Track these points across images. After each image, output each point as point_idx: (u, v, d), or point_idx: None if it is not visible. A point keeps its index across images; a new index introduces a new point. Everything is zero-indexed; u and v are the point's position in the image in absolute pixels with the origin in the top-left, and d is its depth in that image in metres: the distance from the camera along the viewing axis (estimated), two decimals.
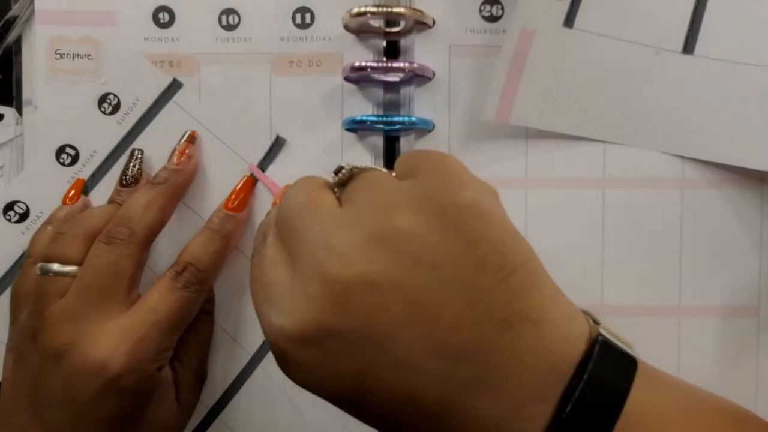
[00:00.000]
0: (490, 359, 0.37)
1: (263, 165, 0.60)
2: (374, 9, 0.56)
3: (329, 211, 0.41)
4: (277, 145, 0.60)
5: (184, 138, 0.59)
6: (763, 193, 0.57)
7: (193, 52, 0.60)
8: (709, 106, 0.55)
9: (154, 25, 0.60)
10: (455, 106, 0.59)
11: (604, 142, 0.57)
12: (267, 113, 0.59)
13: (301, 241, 0.40)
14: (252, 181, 0.59)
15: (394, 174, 0.44)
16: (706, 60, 0.55)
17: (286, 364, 0.40)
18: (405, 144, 0.59)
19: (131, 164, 0.59)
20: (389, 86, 0.59)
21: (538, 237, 0.57)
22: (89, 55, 0.60)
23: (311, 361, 0.38)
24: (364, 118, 0.57)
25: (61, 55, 0.60)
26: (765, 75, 0.55)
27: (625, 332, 0.57)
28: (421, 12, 0.57)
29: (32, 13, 0.60)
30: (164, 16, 0.60)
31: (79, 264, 0.54)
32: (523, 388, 0.37)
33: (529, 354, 0.37)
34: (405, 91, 0.59)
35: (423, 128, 0.58)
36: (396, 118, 0.57)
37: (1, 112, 0.61)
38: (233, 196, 0.59)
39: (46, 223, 0.59)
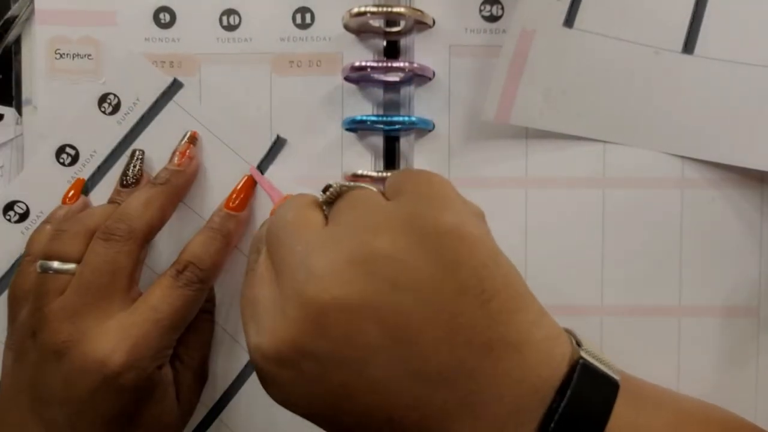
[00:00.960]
0: (469, 384, 0.37)
1: (264, 165, 0.59)
2: (374, 9, 0.55)
3: (314, 230, 0.42)
4: (278, 145, 0.59)
5: (185, 139, 0.59)
6: (763, 193, 0.57)
7: (194, 52, 0.60)
8: (709, 106, 0.55)
9: (154, 25, 0.60)
10: (455, 106, 0.59)
11: (604, 142, 0.57)
12: (267, 113, 0.59)
13: (284, 260, 0.41)
14: (252, 181, 0.59)
15: (384, 192, 0.44)
16: (706, 60, 0.55)
17: (264, 382, 0.41)
18: (405, 144, 0.59)
19: (132, 164, 0.59)
20: (389, 86, 0.59)
21: (538, 237, 0.58)
22: (89, 55, 0.60)
23: (287, 380, 0.39)
24: (364, 118, 0.57)
25: (61, 55, 0.60)
26: (765, 75, 0.55)
27: (625, 332, 0.57)
28: (421, 12, 0.57)
29: (32, 12, 0.60)
30: (165, 17, 0.60)
31: (79, 262, 0.54)
32: (504, 412, 0.37)
33: (510, 378, 0.38)
34: (405, 91, 0.59)
35: (423, 128, 0.58)
36: (396, 118, 0.57)
37: (1, 112, 0.61)
38: (234, 196, 0.58)
39: (45, 222, 0.59)
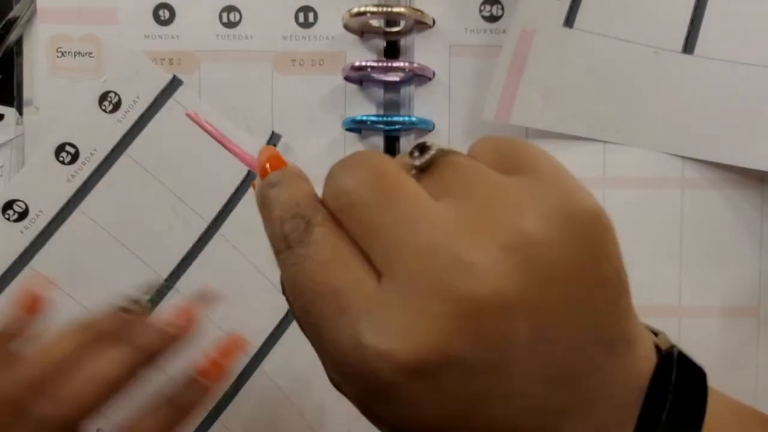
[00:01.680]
0: (588, 382, 0.33)
1: None
2: (374, 9, 0.56)
3: (430, 204, 0.32)
4: (272, 141, 0.59)
5: (198, 300, 0.52)
6: (763, 193, 0.57)
7: (194, 49, 0.60)
8: (709, 106, 0.55)
9: (154, 23, 0.60)
10: (455, 106, 0.59)
11: (604, 142, 0.57)
12: (268, 112, 0.59)
13: (400, 240, 0.31)
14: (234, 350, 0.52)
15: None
16: (706, 60, 0.55)
17: (382, 399, 0.31)
18: (405, 144, 0.59)
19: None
20: (389, 86, 0.59)
21: None
22: (90, 53, 0.60)
23: (419, 395, 0.31)
24: (365, 118, 0.57)
25: (62, 54, 0.60)
26: (765, 75, 0.55)
27: None
28: (421, 12, 0.57)
29: (33, 13, 0.60)
30: (164, 14, 0.60)
31: None
32: (611, 410, 0.34)
33: (623, 374, 0.34)
34: (405, 90, 0.59)
35: (423, 128, 0.58)
36: (396, 118, 0.57)
37: (2, 112, 0.61)
38: (211, 361, 0.51)
39: None
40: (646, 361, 0.35)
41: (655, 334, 0.38)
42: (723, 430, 0.36)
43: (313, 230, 0.33)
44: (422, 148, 0.34)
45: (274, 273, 0.36)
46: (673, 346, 0.37)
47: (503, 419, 0.31)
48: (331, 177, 0.34)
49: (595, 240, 0.32)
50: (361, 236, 0.32)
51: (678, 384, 0.35)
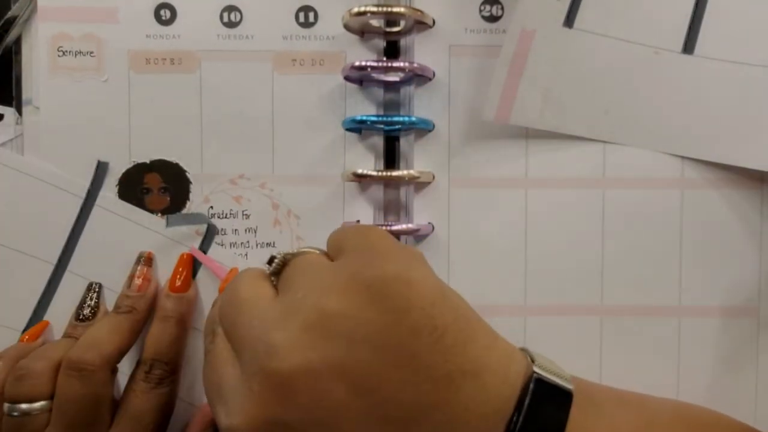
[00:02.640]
0: (436, 416, 0.39)
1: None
2: (374, 8, 0.56)
3: (267, 303, 0.42)
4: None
5: (141, 262, 0.59)
6: (763, 194, 0.57)
7: (194, 49, 0.60)
8: (709, 106, 0.55)
9: (155, 22, 0.60)
10: (455, 106, 0.59)
11: (604, 142, 0.57)
12: (269, 111, 0.59)
13: (243, 338, 0.41)
14: (190, 257, 0.60)
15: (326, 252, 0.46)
16: (706, 60, 0.55)
17: None
18: (405, 144, 0.59)
19: (89, 297, 0.59)
20: (389, 86, 0.59)
21: (538, 237, 0.58)
22: (91, 53, 0.60)
23: None
24: (365, 118, 0.57)
25: (63, 53, 0.60)
26: (765, 75, 0.55)
27: (625, 332, 0.57)
28: (421, 12, 0.57)
29: (32, 12, 0.60)
30: (165, 13, 0.60)
31: (48, 398, 0.53)
32: None
33: (474, 403, 0.39)
34: (405, 90, 0.59)
35: (423, 128, 0.58)
36: (396, 118, 0.57)
37: (1, 112, 0.61)
38: (176, 276, 0.59)
39: None
40: (507, 387, 0.40)
41: (533, 360, 0.43)
42: None
43: (214, 339, 0.44)
44: (270, 260, 0.45)
45: None
46: (534, 373, 0.41)
47: None
48: (224, 293, 0.45)
49: (396, 298, 0.39)
50: (231, 338, 0.42)
51: (533, 407, 0.39)
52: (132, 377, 0.56)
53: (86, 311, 0.58)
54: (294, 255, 0.45)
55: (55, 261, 0.60)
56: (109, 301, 0.59)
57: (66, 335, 0.58)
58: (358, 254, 0.42)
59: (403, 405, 0.38)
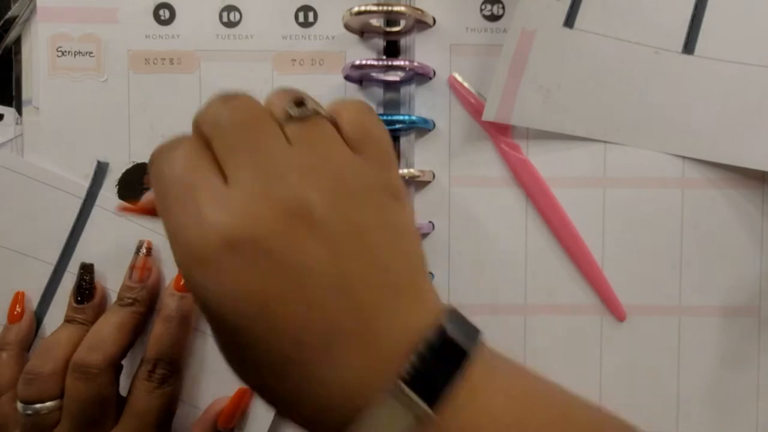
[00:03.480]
0: (375, 317, 0.39)
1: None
2: (374, 8, 0.56)
3: (282, 145, 0.41)
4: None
5: (142, 251, 0.59)
6: (764, 193, 0.57)
7: (194, 49, 0.60)
8: (709, 106, 0.55)
9: (154, 22, 0.60)
10: (455, 106, 0.59)
11: (605, 142, 0.57)
12: None
13: (246, 160, 0.40)
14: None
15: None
16: (706, 60, 0.55)
17: (203, 265, 0.38)
18: (405, 143, 0.59)
19: (82, 279, 0.59)
20: (390, 85, 0.59)
21: (539, 236, 0.58)
22: (91, 53, 0.60)
23: (231, 267, 0.37)
24: None
25: (62, 53, 0.60)
26: (765, 75, 0.55)
27: (625, 331, 0.57)
28: (421, 11, 0.57)
29: (32, 12, 0.60)
30: (165, 13, 0.59)
31: (58, 397, 0.55)
32: (392, 345, 0.39)
33: (407, 317, 0.40)
34: (405, 90, 0.59)
35: (423, 127, 0.58)
36: (396, 117, 0.57)
37: (1, 112, 0.61)
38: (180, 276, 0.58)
39: (0, 349, 0.59)
40: (433, 314, 0.41)
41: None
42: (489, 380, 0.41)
43: (181, 140, 0.42)
44: (300, 103, 0.43)
45: None
46: (452, 308, 0.42)
47: (292, 319, 0.37)
48: (211, 103, 0.43)
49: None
50: (221, 150, 0.40)
51: (447, 332, 0.40)
52: (136, 376, 0.56)
53: (84, 294, 0.58)
54: (319, 115, 0.44)
55: (54, 261, 0.60)
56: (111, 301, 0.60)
57: (67, 319, 0.58)
58: (381, 159, 0.44)
59: (359, 296, 0.39)
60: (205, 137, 0.41)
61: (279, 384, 0.38)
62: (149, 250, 0.59)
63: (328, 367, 0.38)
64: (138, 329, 0.57)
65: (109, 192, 0.60)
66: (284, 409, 0.40)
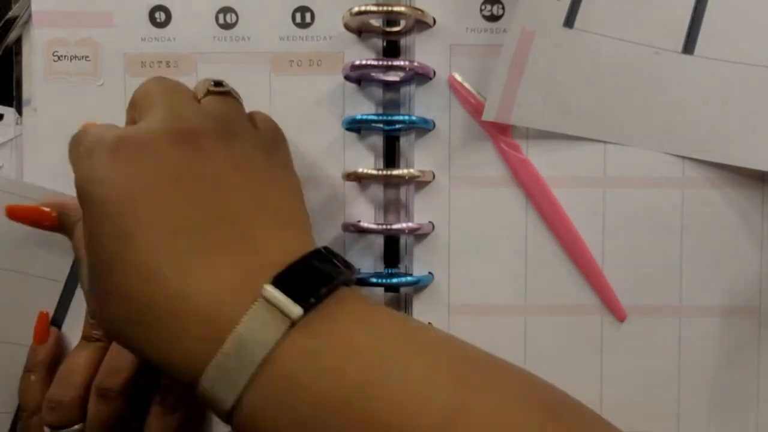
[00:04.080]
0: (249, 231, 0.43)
1: None
2: (374, 8, 0.55)
3: (191, 104, 0.47)
4: None
5: None
6: (764, 193, 0.57)
7: (190, 51, 0.60)
8: (709, 106, 0.55)
9: (150, 25, 0.60)
10: (455, 106, 0.58)
11: (604, 142, 0.57)
12: (266, 112, 0.59)
13: (158, 107, 0.45)
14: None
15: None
16: (706, 60, 0.55)
17: (94, 156, 0.42)
18: (405, 143, 0.59)
19: None
20: (389, 85, 0.59)
21: (539, 237, 0.58)
22: (87, 57, 0.60)
23: (119, 160, 0.42)
24: (365, 117, 0.57)
25: (59, 57, 0.60)
26: (765, 75, 0.55)
27: (625, 332, 0.57)
28: (421, 11, 0.57)
29: (31, 14, 0.60)
30: (161, 16, 0.59)
31: (80, 421, 0.56)
32: (265, 260, 0.41)
33: (282, 240, 0.44)
34: (405, 90, 0.59)
35: (423, 127, 0.58)
36: (396, 117, 0.57)
37: (1, 112, 0.61)
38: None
39: (27, 371, 0.59)
40: (306, 245, 0.44)
41: None
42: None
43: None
44: (219, 84, 0.49)
45: None
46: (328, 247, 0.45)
47: (170, 209, 0.41)
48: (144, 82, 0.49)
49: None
50: (141, 106, 0.46)
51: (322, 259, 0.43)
52: (152, 400, 0.57)
53: None
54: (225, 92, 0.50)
55: (64, 278, 0.60)
56: None
57: (84, 336, 0.58)
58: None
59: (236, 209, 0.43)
60: (132, 110, 0.48)
61: (150, 295, 0.39)
62: None
63: (203, 271, 0.40)
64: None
65: None
66: (154, 338, 0.40)
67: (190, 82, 0.58)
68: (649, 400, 0.58)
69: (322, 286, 0.40)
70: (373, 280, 0.57)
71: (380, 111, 0.59)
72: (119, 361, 0.56)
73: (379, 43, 0.59)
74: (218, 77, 0.50)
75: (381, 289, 0.59)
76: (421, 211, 0.59)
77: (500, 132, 0.58)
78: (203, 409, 0.60)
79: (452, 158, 0.58)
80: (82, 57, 0.60)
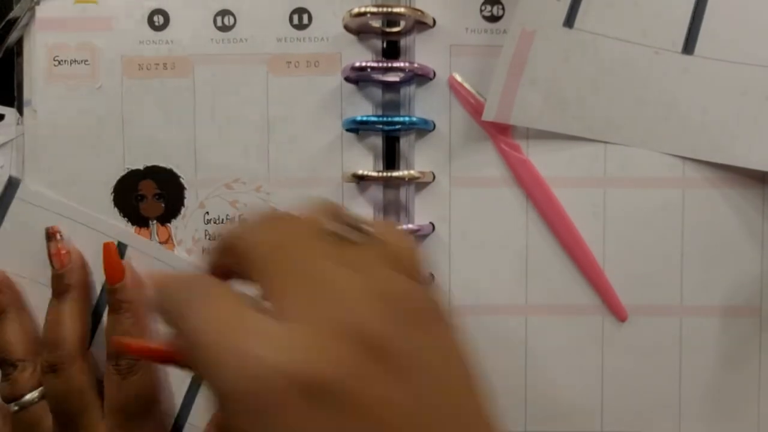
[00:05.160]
0: None
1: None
2: (374, 9, 0.55)
3: (330, 266, 0.35)
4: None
5: (49, 239, 0.59)
6: (764, 193, 0.57)
7: (188, 54, 0.60)
8: (709, 106, 0.55)
9: (148, 28, 0.59)
10: (455, 106, 0.58)
11: (604, 142, 0.57)
12: (264, 114, 0.59)
13: (296, 285, 0.34)
14: (112, 244, 0.59)
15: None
16: (706, 60, 0.55)
17: (262, 414, 0.30)
18: (405, 144, 0.59)
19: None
20: (389, 85, 0.59)
21: (539, 237, 0.58)
22: (86, 61, 0.60)
23: (302, 416, 0.30)
24: (365, 118, 0.57)
25: (59, 62, 0.60)
26: (765, 75, 0.54)
27: (626, 332, 0.57)
28: (421, 12, 0.57)
29: (32, 16, 0.60)
30: (159, 19, 0.59)
31: (35, 387, 0.56)
32: None
33: None
34: (405, 90, 0.59)
35: (423, 128, 0.58)
36: (396, 119, 0.57)
37: (2, 113, 0.61)
38: (107, 268, 0.58)
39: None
40: None
41: None
42: None
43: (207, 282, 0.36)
44: (358, 227, 0.37)
45: None
46: None
47: None
48: (246, 224, 0.39)
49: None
50: (261, 273, 0.35)
51: None
52: (106, 369, 0.56)
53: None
54: (377, 238, 0.38)
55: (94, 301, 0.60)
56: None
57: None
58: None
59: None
60: (231, 261, 0.37)
61: None
62: (53, 234, 0.59)
63: None
64: (87, 309, 0.58)
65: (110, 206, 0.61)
66: None
67: (188, 84, 0.59)
68: (649, 400, 0.58)
69: None
70: None
71: (379, 111, 0.59)
72: (57, 332, 0.56)
73: (378, 43, 0.59)
74: (334, 206, 0.40)
75: None
76: (422, 211, 0.59)
77: (500, 132, 0.58)
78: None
79: (452, 159, 0.58)
80: (82, 61, 0.60)
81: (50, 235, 0.59)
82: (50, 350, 0.55)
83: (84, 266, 0.59)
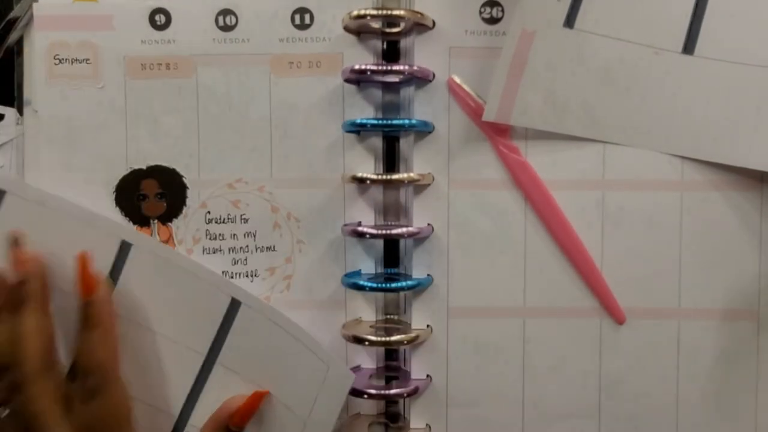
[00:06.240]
0: None
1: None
2: (374, 11, 0.55)
3: None
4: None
5: (9, 246, 0.56)
6: (763, 194, 0.57)
7: (190, 53, 0.60)
8: (709, 106, 0.55)
9: (150, 28, 0.60)
10: (455, 108, 0.58)
11: (604, 142, 0.57)
12: (266, 114, 0.59)
13: None
14: (85, 255, 0.55)
15: None
16: (706, 60, 0.55)
17: None
18: (405, 145, 0.59)
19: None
20: (389, 87, 0.59)
21: (539, 238, 0.58)
22: (87, 60, 0.60)
23: None
24: (365, 121, 0.57)
25: (60, 61, 0.60)
26: (765, 75, 0.55)
27: (624, 334, 0.57)
28: (421, 14, 0.57)
29: (32, 17, 0.60)
30: (160, 18, 0.59)
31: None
32: None
33: None
34: (405, 92, 0.59)
35: (422, 130, 0.58)
36: (396, 121, 0.57)
37: (2, 112, 0.61)
38: (80, 280, 0.55)
39: None
40: None
41: None
42: None
43: None
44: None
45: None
46: None
47: None
48: None
49: None
50: None
51: None
52: (67, 389, 0.53)
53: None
54: None
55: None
56: None
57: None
58: None
59: None
60: None
61: None
62: (16, 240, 0.56)
63: None
64: (49, 323, 0.54)
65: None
66: None
67: (190, 84, 0.59)
68: (648, 402, 0.58)
69: None
70: (373, 285, 0.57)
71: (380, 112, 0.59)
72: (19, 350, 0.52)
73: (379, 44, 0.59)
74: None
75: None
76: (421, 213, 0.59)
77: (499, 134, 0.58)
78: None
79: (451, 160, 0.58)
80: (83, 60, 0.60)
81: (12, 242, 0.56)
82: (13, 373, 0.51)
83: (45, 274, 0.55)
